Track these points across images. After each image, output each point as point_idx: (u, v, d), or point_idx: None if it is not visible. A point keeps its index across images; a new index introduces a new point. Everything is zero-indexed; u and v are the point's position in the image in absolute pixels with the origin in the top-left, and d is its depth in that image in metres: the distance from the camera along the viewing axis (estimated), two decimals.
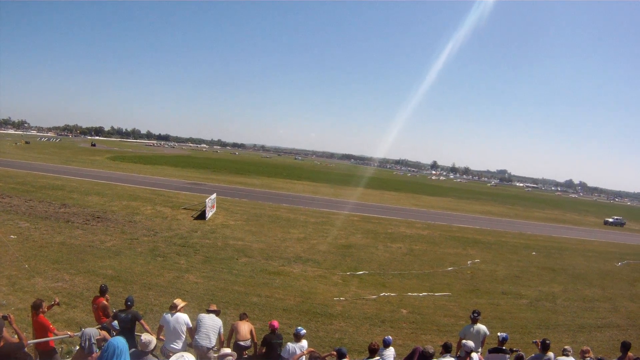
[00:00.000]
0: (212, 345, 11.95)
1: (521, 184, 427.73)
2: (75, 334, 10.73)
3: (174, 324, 11.74)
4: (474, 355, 11.68)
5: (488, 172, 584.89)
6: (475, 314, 14.01)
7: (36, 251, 25.39)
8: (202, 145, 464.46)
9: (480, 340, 13.51)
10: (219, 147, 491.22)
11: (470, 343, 12.01)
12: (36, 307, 11.24)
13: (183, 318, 11.92)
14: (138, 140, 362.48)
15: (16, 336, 9.92)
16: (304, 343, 12.03)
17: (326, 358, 11.82)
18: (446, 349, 11.96)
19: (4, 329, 9.75)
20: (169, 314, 11.87)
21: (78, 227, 31.83)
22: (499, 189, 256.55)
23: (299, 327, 12.33)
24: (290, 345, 11.98)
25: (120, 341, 8.21)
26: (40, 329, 11.21)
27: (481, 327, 13.77)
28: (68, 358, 12.34)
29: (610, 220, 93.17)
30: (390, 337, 12.95)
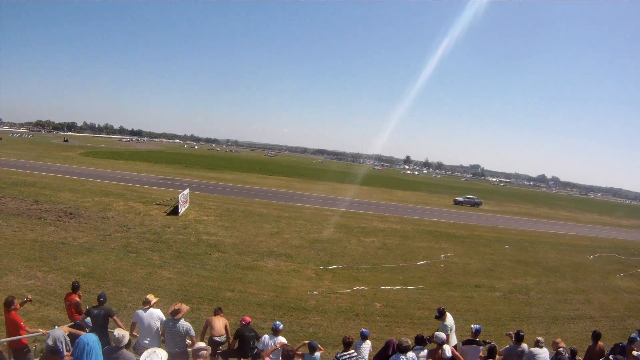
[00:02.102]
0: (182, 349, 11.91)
1: (494, 179, 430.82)
2: (47, 331, 10.76)
3: (148, 319, 11.71)
4: (446, 347, 11.82)
5: (461, 166, 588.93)
6: (445, 310, 14.19)
7: (8, 249, 25.09)
8: (175, 140, 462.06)
9: (448, 334, 13.62)
10: (192, 142, 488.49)
11: (442, 335, 12.12)
12: (8, 305, 11.20)
13: (157, 314, 11.89)
14: (111, 136, 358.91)
15: None
16: (282, 339, 12.06)
17: (299, 350, 11.92)
18: (420, 342, 12.10)
19: None
20: (142, 310, 11.81)
21: (50, 224, 31.54)
22: (471, 184, 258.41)
23: (277, 322, 12.44)
24: (266, 337, 12.07)
25: (90, 338, 8.28)
26: (13, 327, 11.17)
27: (448, 321, 13.93)
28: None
29: (460, 199, 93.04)
30: (367, 330, 13.08)
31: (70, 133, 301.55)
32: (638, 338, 14.59)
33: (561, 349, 13.03)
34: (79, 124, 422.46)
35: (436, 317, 14.19)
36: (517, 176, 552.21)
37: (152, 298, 12.15)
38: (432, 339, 12.86)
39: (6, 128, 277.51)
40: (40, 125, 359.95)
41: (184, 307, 12.19)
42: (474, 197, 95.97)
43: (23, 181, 49.54)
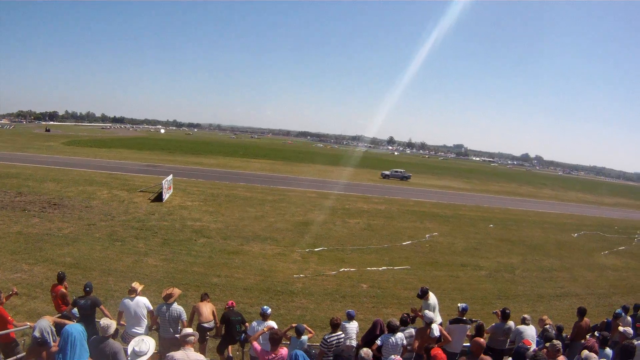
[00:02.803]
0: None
1: (477, 158, 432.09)
2: (34, 324, 10.77)
3: (135, 308, 11.68)
4: (434, 326, 11.91)
5: (444, 146, 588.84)
6: (428, 290, 14.14)
7: None
8: (158, 126, 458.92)
9: (437, 310, 13.72)
10: (176, 127, 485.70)
11: (430, 314, 12.18)
12: None
13: (143, 302, 11.87)
14: (93, 124, 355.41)
15: None
16: (271, 323, 11.93)
17: (286, 333, 12.01)
18: (404, 323, 12.15)
19: None
20: (129, 299, 11.76)
21: (35, 216, 31.31)
22: (453, 163, 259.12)
23: (265, 307, 12.32)
24: (255, 323, 12.05)
25: (75, 328, 8.33)
26: (1, 321, 11.17)
27: (431, 300, 13.92)
28: None
29: (387, 172, 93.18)
30: (353, 311, 13.08)
31: (52, 122, 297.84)
32: (623, 314, 14.83)
33: (548, 326, 13.09)
34: (61, 113, 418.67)
35: (418, 296, 14.16)
36: (500, 155, 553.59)
37: (138, 286, 12.07)
38: (414, 318, 13.01)
39: None
40: (21, 115, 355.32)
41: (177, 291, 12.28)
42: (402, 170, 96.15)
43: (6, 173, 49.06)
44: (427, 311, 12.45)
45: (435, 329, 11.83)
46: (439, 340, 11.96)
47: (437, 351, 8.29)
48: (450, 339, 12.00)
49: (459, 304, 13.29)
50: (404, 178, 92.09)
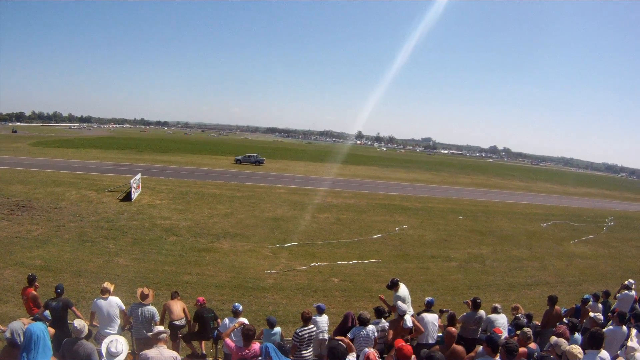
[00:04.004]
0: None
1: (446, 151, 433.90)
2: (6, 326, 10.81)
3: (107, 308, 11.74)
4: (407, 317, 12.05)
5: (413, 140, 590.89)
6: (398, 281, 14.20)
7: None
8: (126, 124, 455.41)
9: (408, 302, 13.80)
10: (142, 126, 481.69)
11: (404, 306, 12.33)
12: None
13: (116, 301, 11.95)
14: (60, 124, 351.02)
15: None
16: (243, 319, 11.91)
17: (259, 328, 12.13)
18: (379, 314, 12.36)
19: None
20: (101, 299, 11.82)
21: (3, 218, 31.00)
22: (423, 157, 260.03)
23: (236, 304, 12.42)
24: (226, 320, 12.09)
25: (37, 327, 8.47)
26: None
27: (400, 292, 13.94)
28: None
29: (240, 157, 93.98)
30: (323, 305, 13.16)
31: (18, 123, 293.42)
32: (591, 299, 15.27)
33: (519, 315, 13.45)
34: (27, 113, 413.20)
35: (388, 287, 14.31)
36: (468, 148, 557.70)
37: (110, 286, 12.17)
38: (389, 311, 13.22)
39: None
40: None
41: (152, 291, 12.53)
42: (255, 154, 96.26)
43: None
44: (400, 302, 12.55)
45: (408, 320, 12.02)
46: (412, 331, 12.23)
47: (400, 343, 8.46)
48: (422, 329, 12.20)
49: (426, 298, 13.48)
50: (257, 162, 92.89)
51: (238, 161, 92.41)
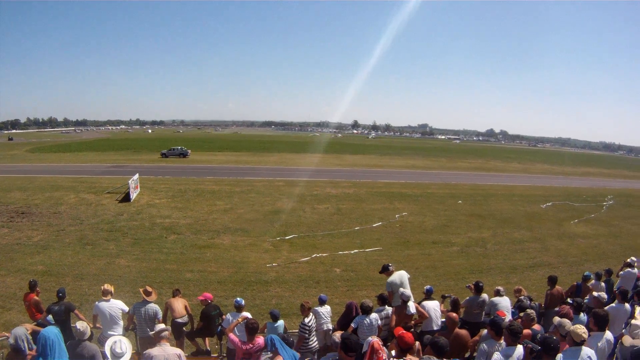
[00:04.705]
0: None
1: (442, 137, 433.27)
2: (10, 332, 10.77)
3: (109, 310, 11.71)
4: (410, 303, 12.07)
5: (409, 127, 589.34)
6: (390, 267, 13.94)
7: None
8: (121, 126, 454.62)
9: (407, 283, 13.63)
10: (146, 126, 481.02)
11: (408, 292, 12.35)
12: None
13: (117, 304, 11.93)
14: (56, 129, 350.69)
15: None
16: (245, 314, 11.84)
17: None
18: (382, 301, 12.46)
19: None
20: (103, 302, 11.78)
21: (3, 226, 30.96)
22: (419, 142, 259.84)
23: (239, 299, 12.34)
24: (229, 316, 12.03)
25: (51, 331, 8.42)
26: None
27: (402, 273, 13.79)
28: None
29: (165, 151, 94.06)
30: (325, 295, 13.11)
31: (14, 131, 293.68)
32: (592, 276, 15.24)
33: (522, 297, 13.38)
34: (23, 120, 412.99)
35: (380, 272, 14.30)
36: (465, 132, 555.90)
37: (110, 287, 12.12)
38: (390, 297, 13.20)
39: None
40: None
41: (155, 291, 12.57)
42: (179, 147, 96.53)
43: None
44: (402, 289, 12.56)
45: (412, 307, 12.05)
46: (415, 317, 12.22)
47: (400, 330, 8.43)
48: (426, 314, 12.14)
49: (425, 287, 13.45)
50: (182, 155, 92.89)
51: (164, 155, 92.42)
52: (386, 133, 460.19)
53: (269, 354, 8.59)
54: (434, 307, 12.64)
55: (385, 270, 13.98)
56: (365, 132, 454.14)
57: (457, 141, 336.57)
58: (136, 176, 45.70)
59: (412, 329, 11.49)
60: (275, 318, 11.51)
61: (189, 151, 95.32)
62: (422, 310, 12.20)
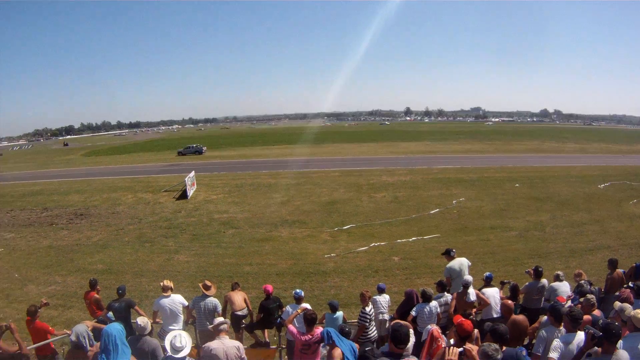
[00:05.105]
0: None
1: (496, 119, 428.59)
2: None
3: (170, 306, 11.69)
4: (471, 290, 11.88)
5: (462, 111, 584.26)
6: (452, 252, 14.07)
7: (25, 259, 25.22)
8: (175, 125, 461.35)
9: (467, 271, 13.64)
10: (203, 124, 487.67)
11: (469, 278, 12.26)
12: (32, 314, 11.10)
13: (178, 299, 11.90)
14: (109, 132, 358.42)
15: (17, 345, 9.86)
16: (305, 305, 11.69)
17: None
18: (442, 287, 12.28)
19: (0, 340, 9.77)
20: (164, 298, 11.75)
21: (63, 228, 31.62)
22: (473, 126, 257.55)
23: (298, 290, 12.20)
24: (289, 308, 11.88)
25: (113, 327, 8.24)
26: (39, 335, 11.14)
27: (462, 260, 13.87)
28: None
29: (182, 150, 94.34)
30: (383, 284, 13.00)
31: (69, 137, 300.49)
32: None
33: (583, 281, 12.91)
34: (77, 126, 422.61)
35: (442, 254, 14.54)
36: (519, 114, 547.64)
37: (169, 283, 12.07)
38: (448, 283, 12.96)
39: (5, 143, 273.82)
40: (38, 134, 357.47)
41: (214, 285, 12.57)
42: (194, 145, 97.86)
43: (30, 191, 49.62)
44: (466, 276, 12.51)
45: (472, 294, 11.85)
46: (475, 305, 11.89)
47: (459, 318, 8.11)
48: (488, 301, 11.84)
49: (485, 274, 13.11)
50: (197, 152, 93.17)
51: (181, 153, 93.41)
52: (439, 118, 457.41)
53: (327, 346, 8.38)
54: (493, 294, 12.31)
55: (447, 254, 14.02)
56: (418, 118, 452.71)
57: (490, 123, 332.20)
58: (192, 173, 46.09)
59: (472, 317, 11.18)
60: (334, 309, 11.35)
61: (204, 148, 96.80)
62: (483, 296, 11.92)
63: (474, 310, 11.98)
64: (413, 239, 26.65)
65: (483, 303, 11.82)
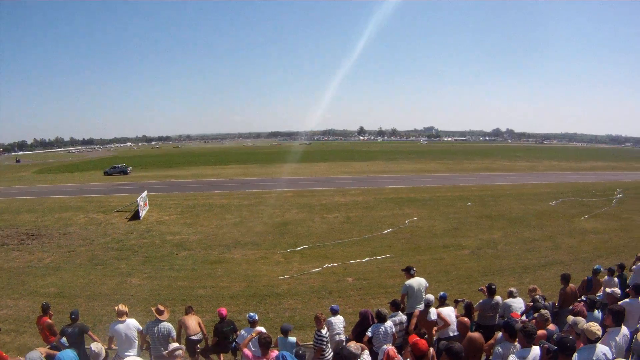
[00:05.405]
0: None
1: (449, 139, 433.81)
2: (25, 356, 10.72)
3: (125, 331, 11.60)
4: (432, 310, 12.17)
5: (415, 130, 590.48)
6: (412, 270, 14.04)
7: None
8: (129, 143, 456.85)
9: (424, 292, 13.62)
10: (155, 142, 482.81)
11: (430, 297, 12.50)
12: None
13: (133, 323, 11.81)
14: (62, 149, 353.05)
15: None
16: (260, 328, 11.81)
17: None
18: (396, 307, 12.36)
19: None
20: (119, 323, 11.66)
21: (14, 249, 31.16)
22: (427, 146, 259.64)
23: (252, 313, 12.28)
24: (243, 332, 11.96)
25: (66, 355, 8.42)
26: None
27: (421, 280, 13.84)
28: None
29: (108, 170, 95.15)
30: (336, 305, 13.12)
31: (21, 153, 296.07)
32: (602, 269, 15.17)
33: (538, 296, 13.31)
34: (29, 142, 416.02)
35: (402, 270, 14.51)
36: (472, 133, 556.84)
37: (124, 308, 12.06)
38: (403, 301, 13.22)
39: None
40: None
41: (167, 309, 12.53)
42: (120, 165, 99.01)
43: None
44: (428, 295, 12.76)
45: (433, 313, 12.13)
46: (435, 324, 12.22)
47: (414, 338, 8.41)
48: (449, 321, 12.09)
49: (439, 293, 13.43)
50: (123, 172, 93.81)
51: (107, 173, 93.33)
52: (392, 138, 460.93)
53: None
54: (449, 313, 12.56)
55: (407, 272, 14.10)
56: (372, 137, 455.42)
57: (424, 142, 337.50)
58: (144, 193, 45.85)
59: (426, 336, 11.49)
60: (286, 333, 11.46)
61: (130, 168, 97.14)
62: (445, 317, 12.16)
63: (435, 329, 12.25)
64: (366, 259, 26.98)
65: (445, 323, 12.14)
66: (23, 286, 23.43)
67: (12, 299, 21.63)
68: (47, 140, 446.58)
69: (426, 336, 11.24)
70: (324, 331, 11.58)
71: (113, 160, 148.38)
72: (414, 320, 12.16)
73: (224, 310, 13.34)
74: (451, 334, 12.18)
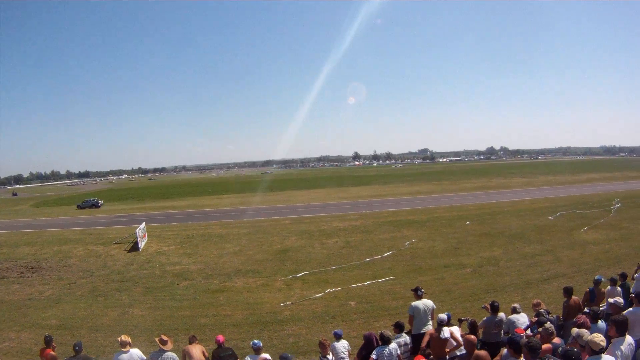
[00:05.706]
0: None
1: (444, 159, 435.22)
2: None
3: None
4: (445, 328, 11.98)
5: (410, 153, 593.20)
6: (420, 291, 14.10)
7: None
8: (125, 175, 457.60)
9: (430, 314, 13.71)
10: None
11: (443, 316, 12.33)
12: None
13: (137, 354, 11.85)
14: (59, 182, 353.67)
15: None
16: (265, 356, 11.93)
17: None
18: (399, 328, 12.46)
19: None
20: (122, 353, 11.68)
21: (14, 282, 31.11)
22: (420, 167, 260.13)
23: (256, 340, 12.29)
24: (249, 359, 11.93)
25: None
26: None
27: (427, 301, 13.94)
28: None
29: (80, 204, 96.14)
30: (340, 330, 13.15)
31: (18, 186, 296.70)
32: (603, 279, 15.20)
33: (542, 310, 13.30)
34: (25, 175, 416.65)
35: (411, 290, 14.57)
36: (466, 153, 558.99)
37: (127, 338, 12.06)
38: (411, 322, 13.25)
39: None
40: None
41: (171, 339, 12.49)
42: (92, 199, 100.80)
43: None
44: (440, 315, 12.59)
45: (445, 331, 12.01)
46: (447, 342, 12.19)
47: (420, 359, 8.42)
48: (461, 342, 12.05)
49: (439, 315, 13.42)
50: (94, 206, 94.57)
51: (80, 207, 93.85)
52: (387, 162, 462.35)
53: None
54: (456, 332, 12.58)
55: (415, 292, 14.13)
56: (367, 162, 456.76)
57: (398, 165, 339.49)
58: (143, 225, 45.88)
59: (431, 357, 11.50)
60: None
61: (101, 202, 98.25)
62: (457, 337, 12.10)
63: (448, 350, 12.14)
64: (368, 282, 26.89)
65: (458, 343, 12.09)
66: (24, 318, 23.37)
67: (13, 332, 21.56)
68: (43, 174, 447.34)
69: (431, 357, 11.28)
70: (330, 357, 11.62)
71: (110, 192, 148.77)
72: (426, 338, 12.21)
73: (221, 337, 13.34)
74: (458, 353, 12.20)
